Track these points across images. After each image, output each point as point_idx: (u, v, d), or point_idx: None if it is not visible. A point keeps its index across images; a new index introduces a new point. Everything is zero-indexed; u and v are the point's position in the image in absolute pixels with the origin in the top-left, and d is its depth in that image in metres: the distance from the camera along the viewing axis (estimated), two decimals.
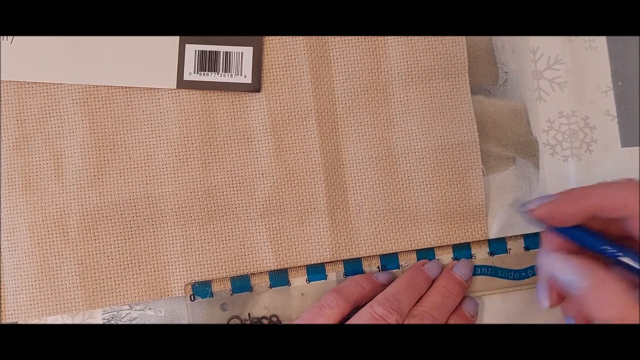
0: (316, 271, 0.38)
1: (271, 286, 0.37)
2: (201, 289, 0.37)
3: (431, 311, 0.34)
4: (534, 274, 0.37)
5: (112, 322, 0.38)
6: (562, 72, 0.39)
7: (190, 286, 0.37)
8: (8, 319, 0.37)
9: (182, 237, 0.38)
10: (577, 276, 0.27)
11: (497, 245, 0.38)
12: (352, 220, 0.38)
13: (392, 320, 0.33)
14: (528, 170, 0.39)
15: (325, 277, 0.38)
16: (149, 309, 0.38)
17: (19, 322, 0.38)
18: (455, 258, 0.38)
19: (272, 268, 0.38)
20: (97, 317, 0.38)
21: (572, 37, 0.39)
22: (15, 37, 0.38)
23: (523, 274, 0.38)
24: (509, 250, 0.38)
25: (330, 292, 0.35)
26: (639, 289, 0.26)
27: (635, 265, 0.28)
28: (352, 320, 0.34)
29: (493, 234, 0.38)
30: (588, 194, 0.29)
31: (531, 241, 0.38)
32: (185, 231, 0.38)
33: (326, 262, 0.38)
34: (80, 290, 0.37)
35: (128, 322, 0.38)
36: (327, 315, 0.34)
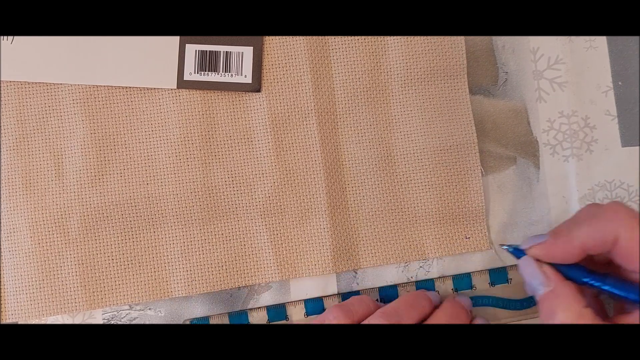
0: (314, 304, 0.37)
1: (269, 321, 0.37)
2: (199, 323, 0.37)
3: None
4: (535, 304, 0.36)
5: (112, 322, 0.38)
6: (562, 72, 0.39)
7: (188, 322, 0.38)
8: (8, 319, 0.37)
9: (182, 237, 0.38)
10: (541, 283, 0.31)
11: (498, 275, 0.38)
12: (352, 220, 0.38)
13: None
14: (529, 170, 0.39)
15: (323, 309, 0.37)
16: (149, 309, 0.38)
17: (19, 322, 0.38)
18: (455, 289, 0.37)
19: (273, 268, 0.38)
20: (97, 317, 0.38)
21: (573, 37, 0.39)
22: (15, 37, 0.38)
23: (525, 303, 0.37)
24: (509, 280, 0.37)
25: (333, 307, 0.34)
26: (589, 308, 0.30)
27: (616, 291, 0.30)
28: None
29: (494, 234, 0.38)
30: (575, 237, 0.31)
31: None
32: (186, 231, 0.38)
33: (324, 296, 0.38)
34: (81, 291, 0.37)
35: (128, 322, 0.38)
36: None
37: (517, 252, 0.33)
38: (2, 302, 0.38)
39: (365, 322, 0.33)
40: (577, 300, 0.30)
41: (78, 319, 0.38)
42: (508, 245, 0.34)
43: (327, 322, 0.33)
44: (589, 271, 0.31)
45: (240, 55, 0.38)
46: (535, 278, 0.31)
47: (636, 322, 0.30)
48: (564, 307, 0.30)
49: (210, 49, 0.38)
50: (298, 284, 0.38)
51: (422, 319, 0.34)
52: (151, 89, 0.38)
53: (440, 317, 0.34)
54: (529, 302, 0.37)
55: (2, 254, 0.38)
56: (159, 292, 0.38)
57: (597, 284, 0.31)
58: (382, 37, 0.38)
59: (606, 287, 0.31)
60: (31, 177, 0.38)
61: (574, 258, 0.31)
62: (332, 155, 0.38)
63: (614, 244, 0.30)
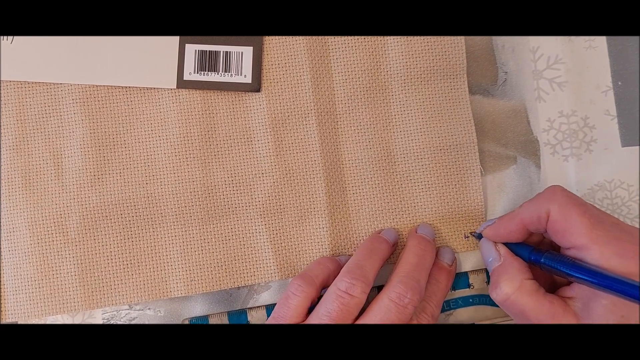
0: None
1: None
2: (198, 322, 0.37)
3: (412, 273, 0.34)
4: None
5: (112, 322, 0.38)
6: (562, 72, 0.39)
7: (187, 320, 0.37)
8: (8, 319, 0.37)
9: (182, 237, 0.38)
10: (494, 259, 0.34)
11: None
12: (351, 220, 0.38)
13: (357, 291, 0.32)
14: (530, 170, 0.39)
15: None
16: (149, 309, 0.38)
17: (19, 322, 0.38)
18: (452, 287, 0.38)
19: (272, 268, 0.38)
20: (96, 317, 0.38)
21: (572, 37, 0.39)
22: (15, 37, 0.38)
23: None
24: None
25: (294, 278, 0.34)
26: (532, 280, 0.32)
27: (551, 265, 0.32)
28: (320, 303, 0.33)
29: None
30: (515, 215, 0.34)
31: None
32: (185, 231, 0.38)
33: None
34: (80, 290, 0.37)
35: (127, 322, 0.38)
36: (294, 305, 0.33)
37: (479, 236, 0.36)
38: (1, 302, 0.38)
39: (332, 286, 0.33)
40: (521, 273, 0.32)
41: (78, 319, 0.38)
42: (472, 233, 0.38)
43: (290, 294, 0.34)
44: (534, 249, 0.33)
45: (240, 55, 0.38)
46: (489, 255, 0.34)
47: (568, 295, 0.32)
48: (507, 278, 0.32)
49: (210, 49, 0.38)
50: None
51: (384, 261, 0.36)
52: (151, 88, 0.38)
53: (409, 258, 0.35)
54: None
55: (1, 253, 0.38)
56: (158, 292, 0.38)
57: (536, 258, 0.33)
58: (382, 37, 0.38)
59: (543, 261, 0.32)
60: (31, 177, 0.38)
61: (517, 234, 0.34)
62: (332, 155, 0.38)
63: (547, 220, 0.32)
